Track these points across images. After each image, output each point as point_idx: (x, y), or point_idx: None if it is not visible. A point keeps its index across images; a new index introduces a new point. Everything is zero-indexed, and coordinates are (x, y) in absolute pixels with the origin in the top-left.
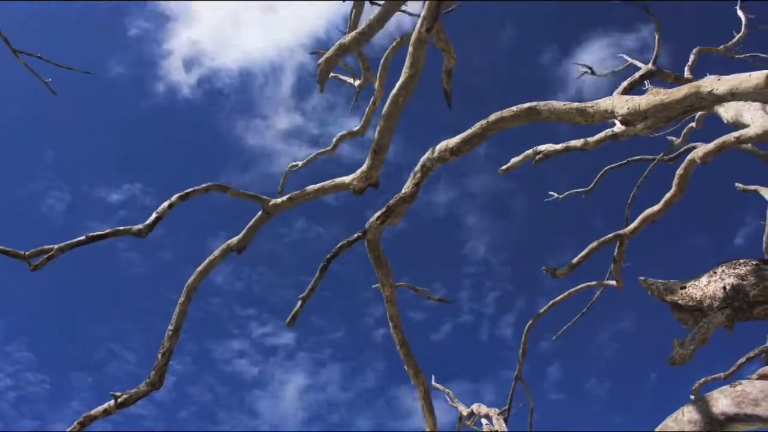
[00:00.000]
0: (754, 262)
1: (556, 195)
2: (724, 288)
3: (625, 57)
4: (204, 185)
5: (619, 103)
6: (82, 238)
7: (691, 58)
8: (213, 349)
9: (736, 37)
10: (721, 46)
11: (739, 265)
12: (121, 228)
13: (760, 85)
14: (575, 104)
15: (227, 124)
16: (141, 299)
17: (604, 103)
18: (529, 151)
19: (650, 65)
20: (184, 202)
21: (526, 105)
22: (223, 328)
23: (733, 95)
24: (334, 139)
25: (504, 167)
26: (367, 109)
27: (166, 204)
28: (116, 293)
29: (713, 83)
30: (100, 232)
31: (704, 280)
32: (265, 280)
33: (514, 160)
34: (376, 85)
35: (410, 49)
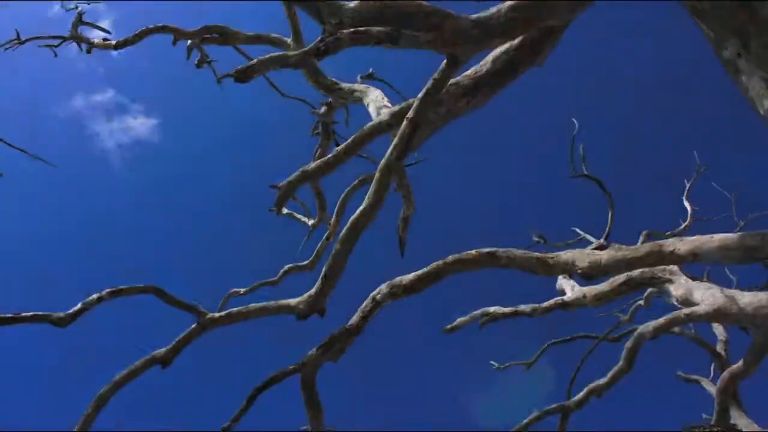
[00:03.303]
0: (718, 429)
1: (496, 365)
2: None
3: (578, 230)
4: (140, 286)
5: (581, 256)
6: None
7: (640, 239)
8: None
9: (683, 225)
10: (668, 232)
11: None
12: (40, 314)
13: (724, 246)
14: (536, 254)
15: None
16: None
17: (565, 256)
18: (477, 312)
19: (602, 240)
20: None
21: (486, 250)
22: None
23: (694, 255)
24: (281, 271)
25: (449, 326)
26: (318, 245)
27: (95, 296)
28: None
29: (675, 243)
30: (13, 315)
31: None
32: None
33: (460, 320)
34: (332, 220)
35: (377, 175)
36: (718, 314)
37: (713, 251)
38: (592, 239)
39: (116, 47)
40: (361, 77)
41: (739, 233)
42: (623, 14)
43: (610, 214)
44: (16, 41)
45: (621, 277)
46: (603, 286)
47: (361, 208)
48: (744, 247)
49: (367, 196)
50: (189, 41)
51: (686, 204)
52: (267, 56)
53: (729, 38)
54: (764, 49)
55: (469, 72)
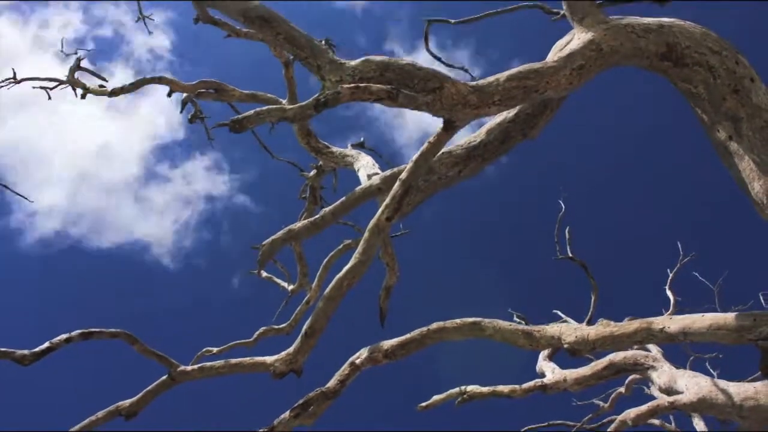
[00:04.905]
0: None
1: None
2: None
3: (560, 313)
4: (112, 330)
5: (567, 330)
6: None
7: None
8: None
9: (665, 315)
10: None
11: None
12: (2, 350)
13: (715, 326)
14: (521, 326)
15: None
16: None
17: (552, 330)
18: (454, 390)
19: (584, 324)
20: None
21: (471, 319)
22: None
23: (685, 335)
24: (257, 333)
25: (424, 404)
26: (298, 308)
27: (63, 336)
28: None
29: (665, 321)
30: None
31: None
32: None
33: (435, 397)
34: (314, 284)
35: (366, 235)
36: (703, 404)
37: (704, 330)
38: (574, 323)
39: (111, 94)
40: (352, 145)
41: (731, 313)
42: (617, 97)
43: (593, 299)
44: (11, 80)
45: (603, 362)
46: (584, 370)
47: (348, 266)
48: (735, 327)
49: (354, 255)
50: (184, 94)
51: (669, 293)
52: (265, 108)
53: (721, 121)
54: (755, 132)
55: (462, 142)
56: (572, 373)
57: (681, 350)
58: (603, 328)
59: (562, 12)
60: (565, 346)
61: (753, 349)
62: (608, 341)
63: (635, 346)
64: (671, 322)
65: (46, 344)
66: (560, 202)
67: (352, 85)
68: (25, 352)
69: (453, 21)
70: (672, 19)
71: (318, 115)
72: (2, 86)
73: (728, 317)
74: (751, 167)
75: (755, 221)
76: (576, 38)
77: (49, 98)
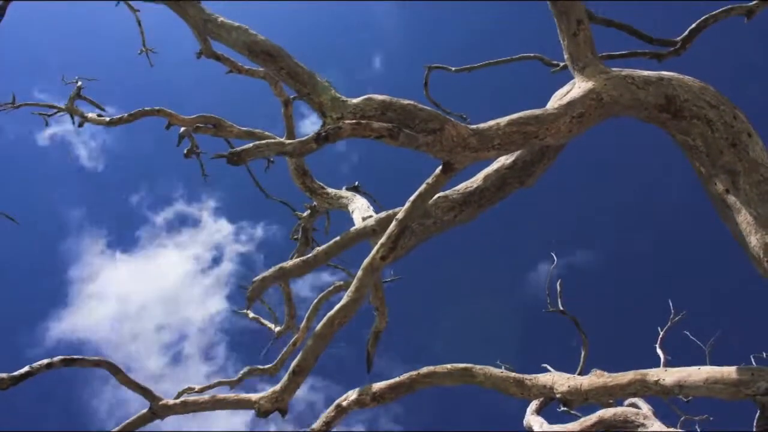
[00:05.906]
0: None
1: None
2: None
3: (548, 367)
4: (95, 358)
5: (560, 380)
6: None
7: None
8: None
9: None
10: None
11: None
12: None
13: (712, 379)
14: (513, 374)
15: None
16: None
17: (544, 378)
18: None
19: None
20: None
21: (462, 365)
22: None
23: (680, 388)
24: (241, 372)
25: None
26: (285, 348)
27: (44, 362)
28: None
29: (660, 373)
30: None
31: None
32: None
33: None
34: (302, 325)
35: (359, 273)
36: None
37: (700, 384)
38: (567, 374)
39: (109, 124)
40: (347, 188)
41: (728, 367)
42: (615, 148)
43: (583, 353)
44: (10, 105)
45: (592, 418)
46: (572, 426)
47: (339, 304)
48: (733, 381)
49: (347, 294)
50: (182, 128)
51: (659, 352)
52: (264, 141)
53: (719, 174)
54: (752, 187)
55: (459, 187)
56: (560, 429)
57: (671, 410)
58: (596, 378)
59: (562, 64)
60: (558, 395)
61: (744, 413)
62: (601, 392)
63: (626, 403)
64: (666, 375)
65: (26, 368)
66: (552, 254)
67: (354, 121)
68: (3, 375)
69: (453, 68)
70: (671, 73)
71: (318, 150)
72: (1, 110)
73: (725, 371)
74: (748, 221)
75: (747, 279)
76: (577, 87)
77: (47, 124)
